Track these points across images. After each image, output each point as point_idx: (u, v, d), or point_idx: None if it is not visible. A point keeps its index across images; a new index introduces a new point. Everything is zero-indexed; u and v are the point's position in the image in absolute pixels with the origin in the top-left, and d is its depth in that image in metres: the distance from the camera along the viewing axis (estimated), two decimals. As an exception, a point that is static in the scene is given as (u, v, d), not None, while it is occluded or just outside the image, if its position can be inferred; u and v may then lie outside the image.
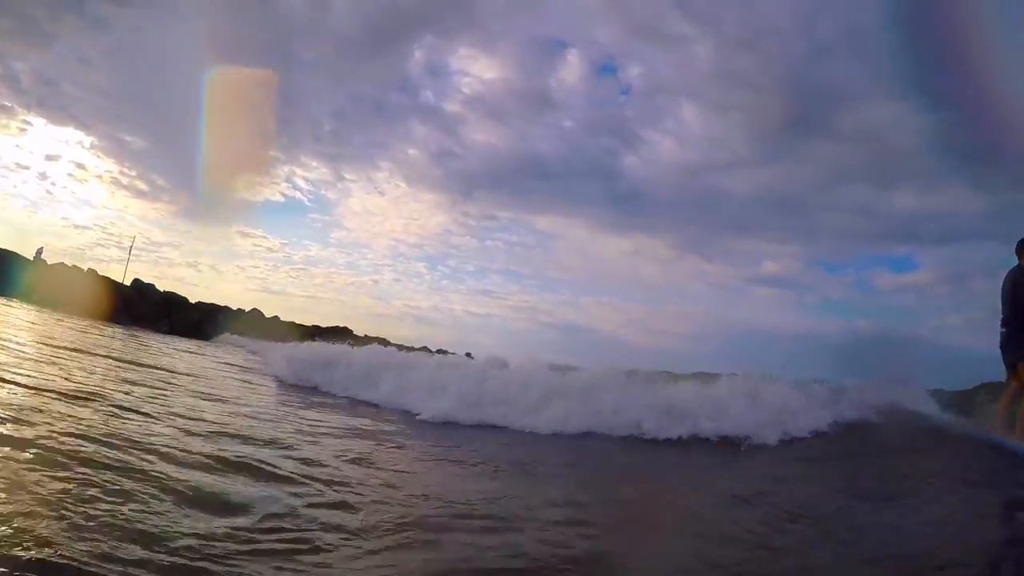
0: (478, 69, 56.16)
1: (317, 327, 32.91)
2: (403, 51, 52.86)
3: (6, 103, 42.86)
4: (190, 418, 5.17)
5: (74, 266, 35.77)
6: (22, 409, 3.97)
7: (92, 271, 36.03)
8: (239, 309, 35.81)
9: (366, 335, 32.01)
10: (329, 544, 2.68)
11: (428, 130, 56.83)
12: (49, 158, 46.02)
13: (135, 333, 22.77)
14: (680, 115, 53.82)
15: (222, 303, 35.97)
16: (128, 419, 4.52)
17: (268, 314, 35.85)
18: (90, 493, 2.68)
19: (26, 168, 47.48)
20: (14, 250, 31.75)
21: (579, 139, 55.65)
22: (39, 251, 34.72)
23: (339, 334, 26.83)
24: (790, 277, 53.84)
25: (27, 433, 3.37)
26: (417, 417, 7.72)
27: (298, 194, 56.42)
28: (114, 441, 3.64)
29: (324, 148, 57.26)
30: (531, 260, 60.21)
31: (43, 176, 49.70)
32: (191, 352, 16.85)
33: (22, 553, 1.99)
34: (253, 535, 2.62)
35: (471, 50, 61.50)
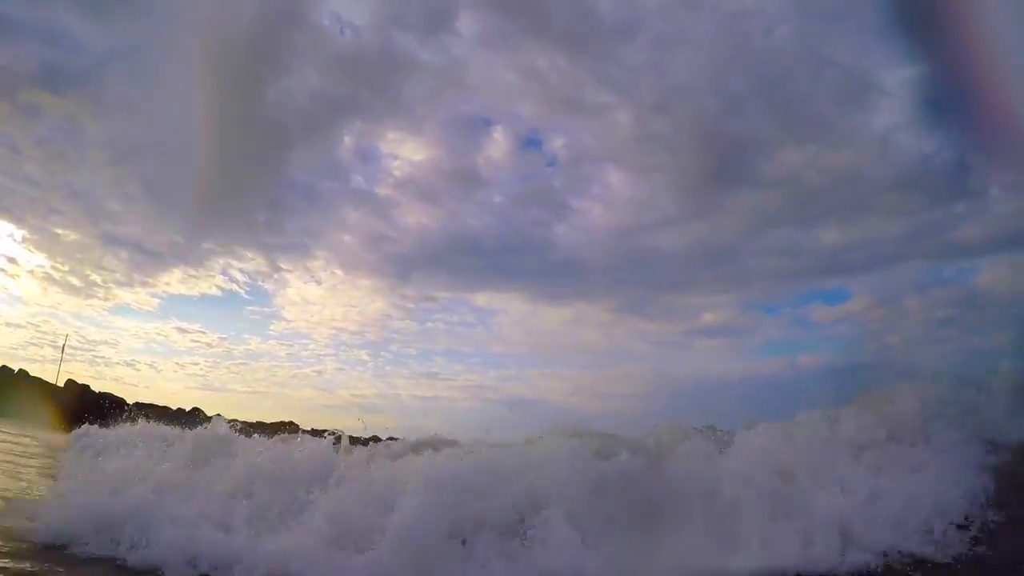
0: (407, 151, 58.03)
1: (260, 423, 32.68)
2: (332, 137, 54.62)
3: (-70, 189, 41.15)
4: None
5: (4, 366, 34.56)
6: None
7: (23, 372, 34.83)
8: (179, 409, 35.27)
9: (313, 428, 31.95)
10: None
11: (361, 215, 58.35)
12: (-22, 251, 44.09)
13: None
14: (606, 180, 57.07)
15: (162, 403, 35.36)
16: None
17: (210, 412, 35.37)
18: None
19: (-46, 261, 45.49)
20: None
21: (510, 213, 58.22)
22: (-33, 350, 33.04)
23: (284, 429, 26.71)
24: (730, 325, 56.46)
25: None
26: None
27: (235, 286, 56.53)
28: None
29: (259, 238, 58.01)
30: (473, 338, 61.06)
31: (-29, 270, 47.31)
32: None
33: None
34: None
35: (399, 133, 63.14)
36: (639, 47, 48.75)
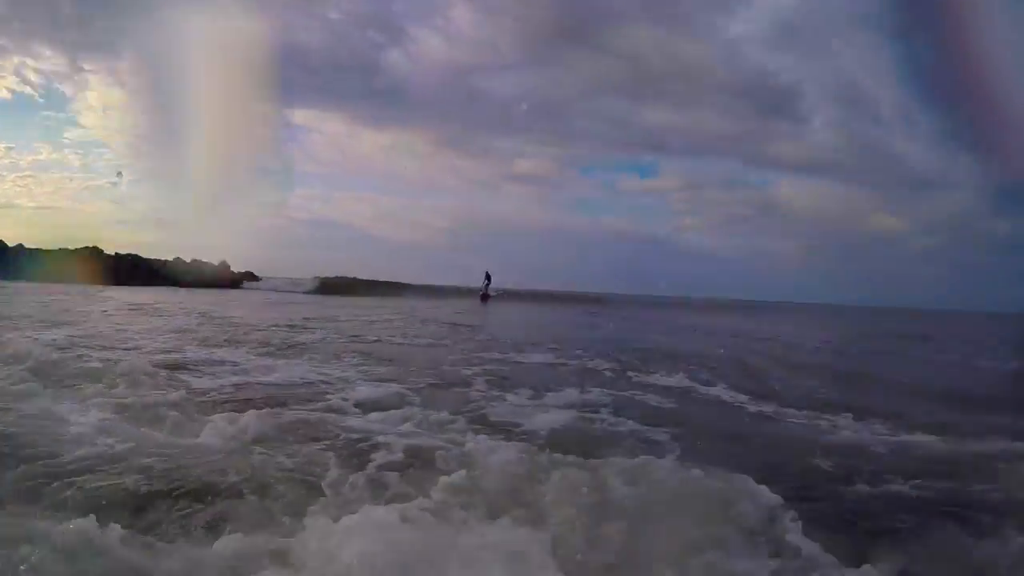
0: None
1: (64, 251, 34.65)
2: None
3: None
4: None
5: None
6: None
7: None
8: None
9: (117, 252, 35.29)
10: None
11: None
12: None
13: None
14: (450, 14, 58.75)
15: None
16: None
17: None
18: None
19: None
20: None
21: (345, 31, 57.17)
22: None
23: (90, 255, 30.40)
24: (544, 176, 64.98)
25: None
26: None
27: (28, 89, 50.36)
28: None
29: (62, 34, 50.23)
30: (283, 154, 61.49)
31: None
32: None
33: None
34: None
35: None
36: None
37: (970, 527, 3.12)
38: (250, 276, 41.71)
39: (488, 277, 34.73)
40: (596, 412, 5.60)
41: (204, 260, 38.06)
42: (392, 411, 5.04)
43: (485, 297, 33.31)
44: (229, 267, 40.24)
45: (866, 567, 2.57)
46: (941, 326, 32.30)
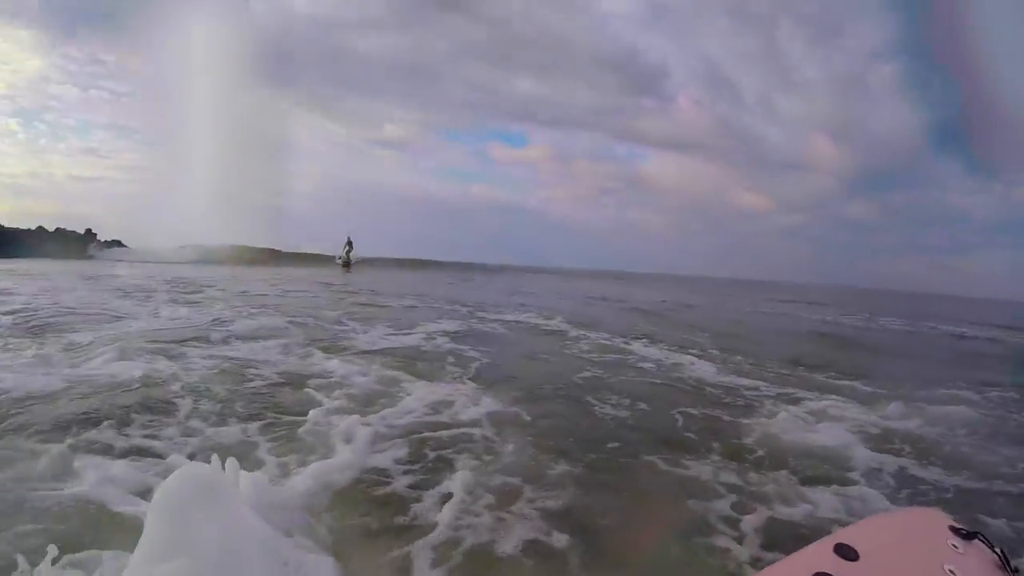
0: None
1: None
2: None
3: None
4: None
5: None
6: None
7: None
8: None
9: None
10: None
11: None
12: None
13: None
14: None
15: None
16: None
17: None
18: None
19: None
20: None
21: None
22: None
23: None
24: (412, 142, 64.59)
25: None
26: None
27: None
28: None
29: None
30: (144, 112, 58.17)
31: None
32: None
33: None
34: None
35: None
36: None
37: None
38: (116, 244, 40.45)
39: (350, 243, 32.61)
40: (433, 339, 7.06)
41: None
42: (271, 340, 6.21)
43: (346, 264, 31.09)
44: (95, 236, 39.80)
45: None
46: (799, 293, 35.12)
